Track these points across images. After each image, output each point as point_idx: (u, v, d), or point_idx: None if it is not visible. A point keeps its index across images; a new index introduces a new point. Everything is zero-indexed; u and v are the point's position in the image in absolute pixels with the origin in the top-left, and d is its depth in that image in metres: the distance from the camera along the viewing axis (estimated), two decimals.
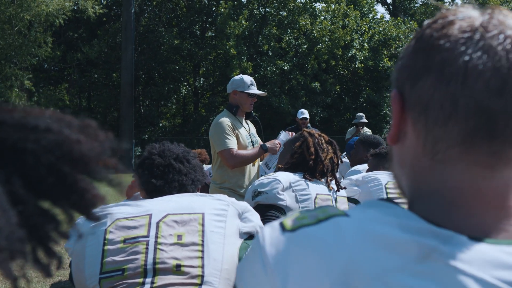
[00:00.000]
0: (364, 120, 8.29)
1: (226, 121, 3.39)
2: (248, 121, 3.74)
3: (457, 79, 0.55)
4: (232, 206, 1.53)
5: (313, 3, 19.21)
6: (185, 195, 1.53)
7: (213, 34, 20.09)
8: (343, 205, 2.38)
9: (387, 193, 2.58)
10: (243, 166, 3.44)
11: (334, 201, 2.31)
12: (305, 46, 18.17)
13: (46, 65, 20.29)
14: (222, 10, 17.58)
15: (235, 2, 18.79)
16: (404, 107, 0.61)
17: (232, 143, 3.36)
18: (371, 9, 20.75)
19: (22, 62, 16.51)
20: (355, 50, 18.57)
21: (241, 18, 17.18)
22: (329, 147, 2.42)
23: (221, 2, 18.39)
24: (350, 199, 2.57)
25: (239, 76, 3.59)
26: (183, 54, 18.78)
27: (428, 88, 0.57)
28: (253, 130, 3.72)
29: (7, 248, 0.36)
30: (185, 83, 20.05)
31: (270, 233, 0.59)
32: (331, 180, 2.37)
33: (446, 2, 26.50)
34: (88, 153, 0.44)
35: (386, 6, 28.59)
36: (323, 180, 2.34)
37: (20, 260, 0.37)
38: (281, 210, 2.13)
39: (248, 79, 3.55)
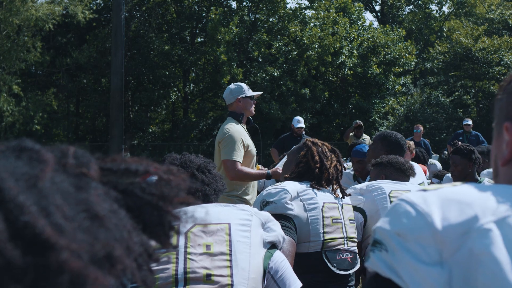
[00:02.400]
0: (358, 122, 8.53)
1: (240, 132, 3.41)
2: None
3: None
4: (256, 216, 1.56)
5: (303, 10, 19.34)
6: (210, 205, 1.56)
7: (203, 40, 20.12)
8: (348, 212, 2.42)
9: (390, 201, 2.63)
10: (241, 181, 3.46)
11: (340, 208, 2.35)
12: (295, 53, 18.27)
13: (34, 69, 20.14)
14: (213, 16, 17.62)
15: (225, 9, 18.85)
16: None
17: (240, 156, 3.39)
18: (360, 16, 20.93)
19: (10, 66, 16.38)
20: (344, 57, 18.70)
21: (232, 24, 17.22)
22: (333, 155, 2.46)
23: (211, 8, 18.43)
24: (355, 208, 2.61)
25: (234, 84, 3.64)
26: (173, 59, 18.78)
27: None
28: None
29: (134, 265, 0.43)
30: (175, 89, 20.03)
31: None
32: (336, 188, 2.41)
33: (433, 11, 26.82)
34: (175, 191, 0.53)
35: (374, 14, 28.87)
36: (328, 188, 2.38)
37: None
38: (290, 220, 2.15)
39: (243, 84, 3.63)
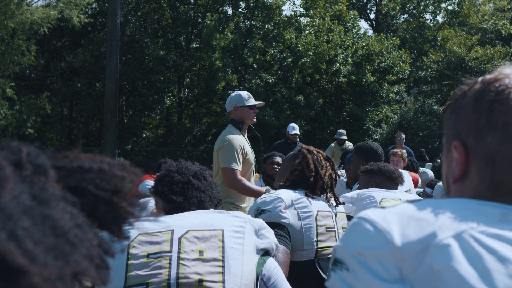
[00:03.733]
0: (345, 137, 8.58)
1: (239, 140, 3.41)
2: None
3: None
4: (249, 223, 1.58)
5: (298, 18, 19.42)
6: (204, 212, 1.58)
7: (198, 45, 20.15)
8: (342, 220, 2.42)
9: None
10: (238, 192, 3.45)
11: (334, 217, 2.35)
12: (290, 60, 18.33)
13: (28, 73, 20.08)
14: (208, 22, 17.66)
15: (221, 15, 18.90)
16: (469, 156, 0.74)
17: (239, 164, 3.39)
18: (355, 24, 21.04)
19: (4, 70, 16.33)
20: (338, 64, 18.79)
21: (227, 30, 17.27)
22: (327, 164, 2.47)
23: (207, 14, 18.48)
24: (348, 217, 2.62)
25: (235, 93, 3.63)
26: (168, 65, 18.78)
27: (495, 144, 0.70)
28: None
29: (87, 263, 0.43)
30: (169, 94, 20.03)
31: None
32: (330, 197, 2.41)
33: (428, 20, 27.00)
34: (129, 186, 0.53)
35: (369, 22, 29.02)
36: (323, 196, 2.38)
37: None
38: (284, 228, 2.15)
39: (244, 93, 3.61)
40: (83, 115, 20.85)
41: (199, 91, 20.16)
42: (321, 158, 2.46)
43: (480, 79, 0.76)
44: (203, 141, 20.24)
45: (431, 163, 13.51)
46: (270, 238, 1.62)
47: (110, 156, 13.41)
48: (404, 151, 5.85)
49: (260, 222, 1.64)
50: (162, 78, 18.43)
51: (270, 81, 17.74)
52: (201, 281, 1.38)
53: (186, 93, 20.56)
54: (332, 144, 8.98)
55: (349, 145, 8.57)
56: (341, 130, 8.80)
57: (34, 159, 0.45)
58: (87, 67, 18.76)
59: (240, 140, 3.44)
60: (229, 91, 18.20)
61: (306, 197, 2.28)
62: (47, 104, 19.46)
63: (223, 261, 1.43)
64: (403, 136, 9.31)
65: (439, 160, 11.76)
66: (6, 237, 0.37)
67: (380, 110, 19.96)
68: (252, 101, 3.60)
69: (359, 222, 0.69)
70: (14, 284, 0.37)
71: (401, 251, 0.62)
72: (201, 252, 1.42)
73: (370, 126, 19.45)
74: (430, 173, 7.43)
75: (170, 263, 1.39)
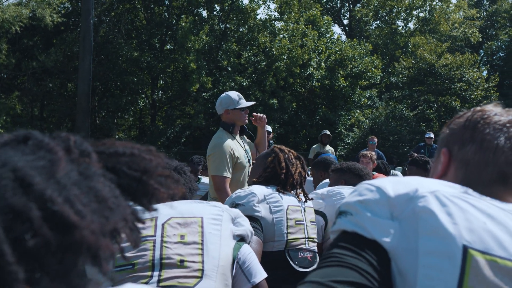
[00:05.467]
0: (327, 132, 9.11)
1: (228, 146, 3.41)
2: (242, 137, 3.77)
3: (490, 151, 0.97)
4: (226, 212, 1.74)
5: (273, 22, 19.58)
6: (186, 202, 1.74)
7: (172, 47, 20.11)
8: (310, 214, 2.57)
9: None
10: (219, 200, 3.49)
11: (303, 211, 2.48)
12: (264, 63, 18.47)
13: None
14: (183, 24, 17.66)
15: (196, 17, 18.92)
16: (451, 159, 1.04)
17: (228, 171, 3.41)
18: (329, 29, 21.32)
19: None
20: (312, 69, 19.01)
21: (202, 33, 17.30)
22: (298, 162, 2.61)
23: (182, 16, 18.48)
24: (316, 212, 2.75)
25: (225, 94, 3.61)
26: (142, 66, 18.71)
27: (471, 153, 1.00)
28: (247, 146, 3.77)
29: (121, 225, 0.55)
30: (143, 96, 19.92)
31: None
32: (300, 193, 2.55)
33: (400, 26, 27.53)
34: (156, 166, 0.64)
35: (342, 27, 29.43)
36: (293, 192, 2.52)
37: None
38: (257, 221, 2.31)
39: (234, 94, 3.59)
40: (55, 115, 20.57)
41: (173, 93, 20.12)
42: (292, 156, 2.61)
43: (472, 109, 1.07)
44: (176, 143, 20.19)
45: (401, 167, 13.78)
46: (245, 226, 1.78)
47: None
48: (373, 153, 6.03)
49: (236, 211, 1.81)
50: (135, 79, 18.34)
51: (244, 84, 17.84)
52: (182, 261, 1.53)
53: (160, 95, 20.50)
54: (314, 146, 9.33)
55: (330, 149, 8.90)
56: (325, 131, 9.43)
57: (80, 145, 0.58)
58: (59, 67, 18.53)
59: (230, 145, 3.44)
60: (203, 94, 18.23)
61: (277, 192, 2.44)
62: (17, 104, 19.13)
63: (202, 244, 1.58)
64: (376, 140, 9.59)
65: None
66: (62, 201, 0.49)
67: (352, 115, 20.25)
68: (244, 103, 3.60)
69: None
70: (69, 236, 0.49)
71: (393, 200, 0.87)
72: (182, 236, 1.58)
73: (342, 130, 19.71)
74: (400, 175, 7.62)
75: (154, 246, 1.54)
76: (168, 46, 20.44)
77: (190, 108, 19.84)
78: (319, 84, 19.18)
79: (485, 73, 24.84)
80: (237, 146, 3.54)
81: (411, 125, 20.77)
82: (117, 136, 20.02)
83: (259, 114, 3.83)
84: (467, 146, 1.00)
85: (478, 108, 1.06)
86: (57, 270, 0.48)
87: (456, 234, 0.80)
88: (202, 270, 1.54)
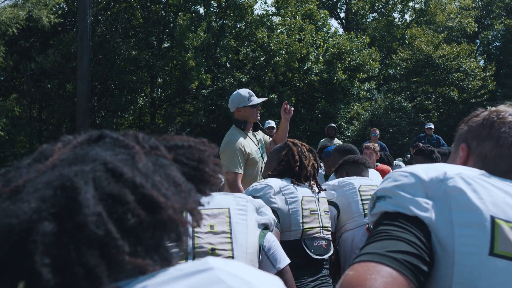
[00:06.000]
0: (332, 124, 9.29)
1: (239, 143, 3.47)
2: (257, 133, 3.81)
3: (505, 147, 1.12)
4: (250, 202, 1.86)
5: (270, 17, 19.59)
6: (212, 194, 1.76)
7: (169, 45, 20.12)
8: (324, 204, 2.66)
9: (360, 195, 2.89)
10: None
11: (317, 201, 2.57)
12: (262, 59, 18.49)
13: None
14: (181, 22, 17.67)
15: (193, 14, 18.92)
16: (469, 154, 1.18)
17: (240, 168, 3.48)
18: (326, 23, 21.34)
19: None
20: (310, 63, 19.03)
21: (200, 30, 17.32)
22: (310, 155, 2.71)
23: (179, 14, 18.48)
24: (329, 202, 2.84)
25: (236, 92, 3.66)
26: (140, 65, 18.72)
27: (489, 148, 1.14)
28: (262, 142, 3.81)
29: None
30: (142, 94, 19.94)
31: None
32: (313, 184, 2.63)
33: (396, 18, 27.55)
34: (209, 156, 0.72)
35: (339, 21, 29.44)
36: (306, 183, 2.60)
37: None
38: (274, 212, 2.38)
39: (245, 92, 3.64)
40: (54, 116, 20.59)
41: (172, 91, 20.14)
42: (305, 150, 2.70)
43: (488, 109, 1.21)
44: None
45: (401, 158, 13.85)
46: (268, 215, 1.90)
47: None
48: (376, 145, 6.09)
49: (259, 201, 1.93)
50: (134, 78, 18.36)
51: (243, 80, 17.87)
52: (213, 249, 1.64)
53: (159, 93, 20.52)
54: (322, 140, 9.49)
55: (337, 142, 9.08)
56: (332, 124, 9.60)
57: (148, 140, 0.67)
58: (57, 68, 18.53)
59: (241, 142, 3.50)
60: (203, 91, 18.26)
61: (292, 184, 2.52)
62: (16, 106, 19.13)
63: (230, 233, 1.70)
64: (378, 131, 9.71)
65: (408, 155, 12.11)
66: (150, 186, 0.58)
67: (352, 107, 20.31)
68: (255, 100, 3.65)
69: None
70: (158, 215, 0.57)
71: (427, 182, 1.01)
72: (211, 226, 1.69)
73: (342, 123, 19.76)
74: (403, 166, 7.69)
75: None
76: (165, 44, 20.45)
77: (190, 105, 19.87)
78: (318, 78, 19.22)
79: (481, 62, 24.90)
80: (249, 143, 3.60)
81: (410, 116, 20.85)
82: None
83: (289, 106, 3.92)
84: (484, 142, 1.15)
85: (493, 108, 1.21)
86: (150, 244, 0.56)
87: (483, 207, 0.95)
88: (232, 257, 1.64)
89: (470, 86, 21.34)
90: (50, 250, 0.49)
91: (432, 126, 10.57)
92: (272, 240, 1.83)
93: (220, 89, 18.21)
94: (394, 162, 7.44)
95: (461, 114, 21.52)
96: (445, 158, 4.68)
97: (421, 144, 4.33)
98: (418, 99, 22.31)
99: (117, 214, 0.53)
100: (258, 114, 3.69)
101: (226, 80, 17.77)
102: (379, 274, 0.83)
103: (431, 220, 0.96)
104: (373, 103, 21.99)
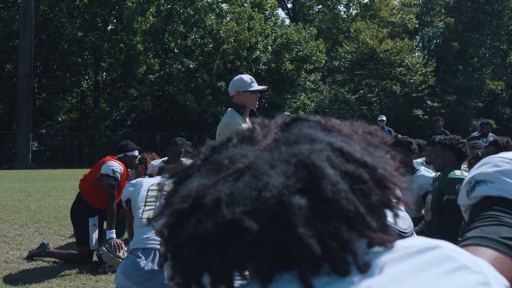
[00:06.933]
0: (287, 113, 9.50)
1: (239, 124, 3.47)
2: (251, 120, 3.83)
3: None
4: None
5: (220, 4, 19.50)
6: None
7: (114, 27, 19.59)
8: None
9: None
10: None
11: None
12: (211, 46, 18.41)
13: None
14: (130, 4, 17.27)
15: None
16: None
17: None
18: (274, 13, 21.47)
19: None
20: (259, 52, 19.14)
21: (149, 13, 17.00)
22: None
23: None
24: None
25: (238, 76, 3.66)
26: (86, 46, 18.16)
27: None
28: None
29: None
30: (86, 77, 19.34)
31: None
32: None
33: (341, 11, 28.10)
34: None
35: (286, 11, 29.66)
36: None
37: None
38: None
39: (247, 77, 3.65)
40: None
41: (117, 74, 19.68)
42: None
43: None
44: (122, 126, 19.85)
45: None
46: None
47: (24, 140, 12.94)
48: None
49: None
50: (80, 60, 17.79)
51: (192, 66, 17.75)
52: None
53: (104, 76, 20.00)
54: None
55: None
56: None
57: (378, 132, 0.66)
58: None
59: (240, 123, 3.51)
60: (150, 76, 17.98)
61: None
62: None
63: None
64: (384, 117, 10.82)
65: None
66: (381, 167, 0.58)
67: (298, 98, 20.62)
68: (255, 86, 3.66)
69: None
70: (386, 194, 0.57)
71: None
72: None
73: (289, 113, 20.01)
74: None
75: None
76: (110, 26, 19.90)
77: (134, 90, 19.50)
78: (266, 67, 19.36)
79: (421, 58, 25.83)
80: (247, 126, 3.61)
81: (354, 108, 21.42)
82: (60, 119, 19.40)
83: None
84: None
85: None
86: (383, 222, 0.57)
87: None
88: None
89: (412, 80, 22.15)
90: (310, 223, 0.51)
91: (384, 118, 11.00)
92: None
93: (167, 74, 18.00)
94: None
95: (402, 107, 22.37)
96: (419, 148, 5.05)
97: (399, 136, 4.56)
98: (362, 91, 22.91)
99: (359, 191, 0.54)
100: (257, 102, 3.72)
101: (174, 65, 17.58)
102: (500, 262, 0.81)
103: None
104: (318, 94, 22.41)
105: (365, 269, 0.54)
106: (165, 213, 0.56)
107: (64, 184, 10.56)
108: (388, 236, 0.56)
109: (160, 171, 3.57)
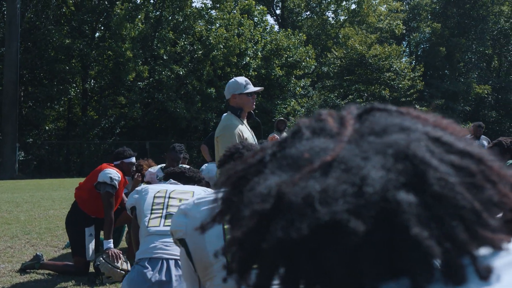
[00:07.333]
0: (282, 118, 9.39)
1: (238, 127, 3.40)
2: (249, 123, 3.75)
3: None
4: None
5: (209, 10, 19.41)
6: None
7: (102, 34, 19.40)
8: None
9: None
10: None
11: None
12: (201, 52, 18.30)
13: None
14: (118, 11, 17.11)
15: (130, 4, 18.37)
16: None
17: None
18: (263, 19, 21.45)
19: None
20: (248, 58, 19.06)
21: (138, 20, 16.85)
22: None
23: (117, 3, 17.87)
24: None
25: (233, 79, 3.60)
26: (74, 54, 17.94)
27: None
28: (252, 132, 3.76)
29: None
30: (74, 85, 19.09)
31: None
32: None
33: (330, 17, 28.18)
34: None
35: (275, 17, 29.67)
36: None
37: None
38: None
39: (242, 79, 3.57)
40: None
41: (105, 82, 19.46)
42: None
43: None
44: (111, 134, 19.60)
45: None
46: None
47: (10, 150, 12.70)
48: None
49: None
50: (67, 68, 17.55)
51: (181, 73, 17.61)
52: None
53: (92, 84, 19.76)
54: (271, 135, 9.44)
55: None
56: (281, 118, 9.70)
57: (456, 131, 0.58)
58: None
59: (240, 127, 3.44)
60: (139, 83, 17.80)
61: None
62: None
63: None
64: None
65: None
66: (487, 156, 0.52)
67: (288, 104, 20.56)
68: (251, 88, 3.58)
69: None
70: (492, 189, 0.49)
71: None
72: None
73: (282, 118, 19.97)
74: None
75: None
76: (98, 34, 19.70)
77: (123, 98, 19.29)
78: (256, 73, 19.29)
79: (409, 63, 26.00)
80: (245, 130, 3.55)
81: None
82: (47, 127, 19.11)
83: None
84: None
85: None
86: (498, 221, 0.49)
87: None
88: None
89: (400, 85, 22.24)
90: (424, 222, 0.44)
91: None
92: None
93: (157, 81, 17.84)
94: None
95: None
96: None
97: None
98: (351, 97, 22.93)
99: (470, 185, 0.48)
100: (254, 103, 3.64)
101: (164, 72, 17.43)
102: None
103: None
104: (308, 99, 22.39)
105: (487, 275, 0.46)
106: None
107: (53, 194, 10.31)
108: (506, 237, 0.47)
109: (166, 177, 3.42)
